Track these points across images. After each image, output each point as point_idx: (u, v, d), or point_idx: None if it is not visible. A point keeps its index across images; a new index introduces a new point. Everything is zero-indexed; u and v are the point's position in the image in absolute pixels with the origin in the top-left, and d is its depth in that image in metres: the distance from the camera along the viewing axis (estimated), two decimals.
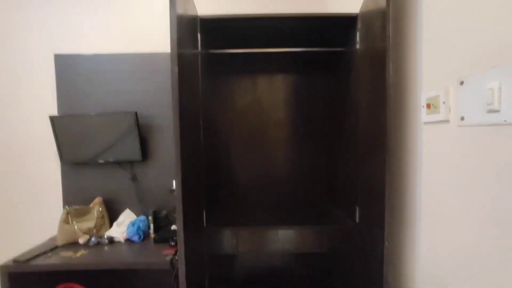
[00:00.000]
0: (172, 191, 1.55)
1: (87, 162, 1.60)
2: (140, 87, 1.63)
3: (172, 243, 1.39)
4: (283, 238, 1.22)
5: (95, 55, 1.62)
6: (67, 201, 1.65)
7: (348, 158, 1.33)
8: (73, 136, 1.55)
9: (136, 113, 1.52)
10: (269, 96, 1.67)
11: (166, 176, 1.63)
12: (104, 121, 1.54)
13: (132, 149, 1.56)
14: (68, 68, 1.62)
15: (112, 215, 1.62)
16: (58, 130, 1.53)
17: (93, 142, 1.56)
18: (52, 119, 1.51)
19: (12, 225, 1.67)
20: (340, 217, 1.33)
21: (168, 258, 1.24)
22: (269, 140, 1.67)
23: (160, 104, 1.62)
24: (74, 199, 1.64)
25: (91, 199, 1.60)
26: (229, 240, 1.19)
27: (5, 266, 1.24)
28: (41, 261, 1.26)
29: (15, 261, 1.25)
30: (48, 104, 1.62)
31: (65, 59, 1.61)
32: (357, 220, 1.17)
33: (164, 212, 1.62)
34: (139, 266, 1.31)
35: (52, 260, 1.28)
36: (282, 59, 1.62)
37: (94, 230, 1.50)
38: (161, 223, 1.61)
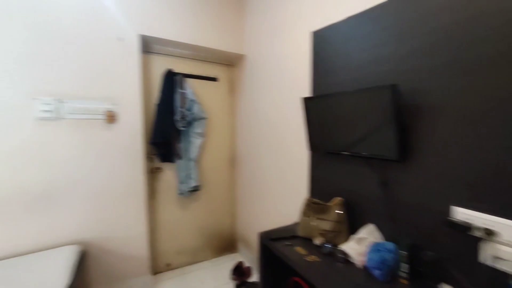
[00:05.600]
0: (453, 224, 0.85)
1: (332, 151, 1.36)
2: (406, 47, 1.04)
3: None
4: None
5: (348, 20, 1.27)
6: (312, 189, 1.57)
7: None
8: (323, 119, 1.37)
9: (393, 87, 0.97)
10: None
11: (437, 192, 0.94)
12: (353, 101, 1.18)
13: (384, 142, 1.06)
14: (322, 43, 1.44)
15: (352, 224, 1.27)
16: (308, 113, 1.43)
17: (341, 127, 1.27)
18: (305, 100, 1.43)
19: (269, 199, 1.96)
20: None
21: None
22: None
23: (438, 70, 0.92)
24: (318, 191, 1.52)
25: (331, 196, 1.36)
26: None
27: (260, 234, 1.38)
28: (280, 246, 1.25)
29: (266, 236, 1.34)
30: (302, 85, 1.60)
31: (321, 34, 1.45)
32: None
33: (430, 254, 0.95)
34: None
35: (288, 251, 1.22)
36: None
37: (330, 235, 1.25)
38: (421, 268, 0.98)
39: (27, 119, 1.52)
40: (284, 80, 1.79)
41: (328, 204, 1.32)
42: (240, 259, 2.35)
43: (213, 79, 2.35)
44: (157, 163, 2.10)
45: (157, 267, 2.17)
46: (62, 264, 1.39)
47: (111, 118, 1.74)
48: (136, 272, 1.92)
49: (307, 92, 1.56)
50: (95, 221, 1.74)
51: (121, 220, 1.83)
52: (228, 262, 2.35)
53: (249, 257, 2.36)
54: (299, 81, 1.63)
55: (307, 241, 1.32)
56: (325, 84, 1.43)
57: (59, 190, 1.62)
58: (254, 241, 2.25)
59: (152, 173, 2.09)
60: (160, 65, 2.07)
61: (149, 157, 2.03)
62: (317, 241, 1.27)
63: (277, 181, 1.91)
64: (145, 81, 1.97)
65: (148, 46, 1.99)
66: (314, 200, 1.37)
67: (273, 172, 1.95)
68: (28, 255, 1.49)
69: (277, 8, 1.83)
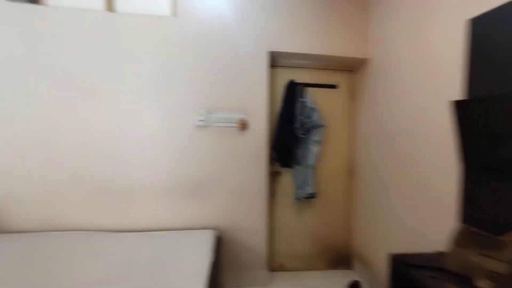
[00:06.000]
0: None
1: (504, 168, 1.04)
2: None
3: None
4: None
5: None
6: (466, 215, 1.24)
7: None
8: (490, 126, 1.07)
9: None
10: None
11: None
12: None
13: None
14: (488, 31, 1.13)
15: None
16: (462, 118, 1.16)
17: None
18: (457, 104, 1.16)
19: (396, 218, 1.68)
20: None
21: None
22: None
23: None
24: (477, 217, 1.19)
25: (501, 228, 1.03)
26: None
27: (393, 257, 1.22)
28: (422, 277, 1.05)
29: (401, 260, 1.18)
30: (449, 86, 1.30)
31: (485, 20, 1.14)
32: None
33: None
34: None
35: (435, 285, 1.01)
36: None
37: (506, 281, 0.94)
38: None
39: (189, 127, 1.99)
40: (420, 81, 1.53)
41: (502, 238, 1.00)
42: (355, 278, 2.16)
43: (332, 86, 2.31)
44: (277, 168, 2.26)
45: (272, 265, 2.32)
46: (206, 243, 1.71)
47: (243, 126, 2.03)
48: (255, 265, 2.12)
49: (457, 94, 1.27)
50: (228, 212, 2.06)
51: (247, 214, 2.08)
52: (341, 278, 2.21)
53: (366, 277, 2.13)
54: (444, 81, 1.35)
55: (461, 278, 1.05)
56: (491, 83, 1.11)
57: (205, 183, 2.03)
58: (375, 261, 2.02)
59: (273, 176, 2.27)
60: (283, 77, 2.23)
61: (271, 161, 2.22)
62: (481, 284, 0.98)
63: (408, 198, 1.64)
64: (271, 93, 2.18)
65: (274, 60, 2.19)
66: (476, 229, 1.07)
67: (402, 187, 1.69)
68: (182, 231, 1.92)
69: (413, 1, 1.60)
